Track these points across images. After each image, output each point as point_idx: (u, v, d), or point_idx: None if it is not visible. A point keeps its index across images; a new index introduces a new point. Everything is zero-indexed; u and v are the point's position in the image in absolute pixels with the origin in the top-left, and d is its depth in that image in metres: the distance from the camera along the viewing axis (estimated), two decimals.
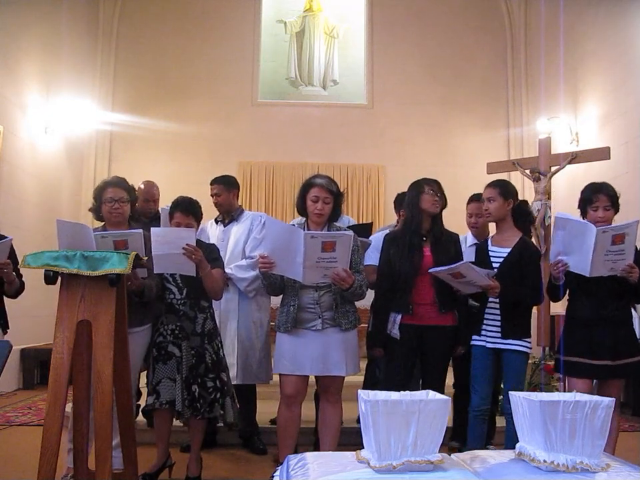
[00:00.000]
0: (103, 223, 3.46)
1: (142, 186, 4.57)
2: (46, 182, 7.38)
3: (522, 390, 3.34)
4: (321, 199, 3.25)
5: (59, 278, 2.59)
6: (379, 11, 9.37)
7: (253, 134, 8.94)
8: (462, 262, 3.20)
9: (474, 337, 3.39)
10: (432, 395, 2.02)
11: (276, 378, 3.58)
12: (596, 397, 1.96)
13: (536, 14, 8.86)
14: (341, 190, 3.38)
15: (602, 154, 5.30)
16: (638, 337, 3.34)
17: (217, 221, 4.25)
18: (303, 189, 3.33)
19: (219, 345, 3.47)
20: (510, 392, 2.13)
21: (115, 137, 8.90)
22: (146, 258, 3.00)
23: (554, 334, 5.89)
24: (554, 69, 8.25)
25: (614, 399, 1.99)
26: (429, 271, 3.30)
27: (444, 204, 3.47)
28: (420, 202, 3.43)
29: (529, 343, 3.34)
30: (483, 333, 3.35)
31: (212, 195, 4.16)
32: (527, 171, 5.53)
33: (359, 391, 2.01)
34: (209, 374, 3.33)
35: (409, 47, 9.26)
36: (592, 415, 1.90)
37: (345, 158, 8.92)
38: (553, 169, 5.47)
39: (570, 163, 5.41)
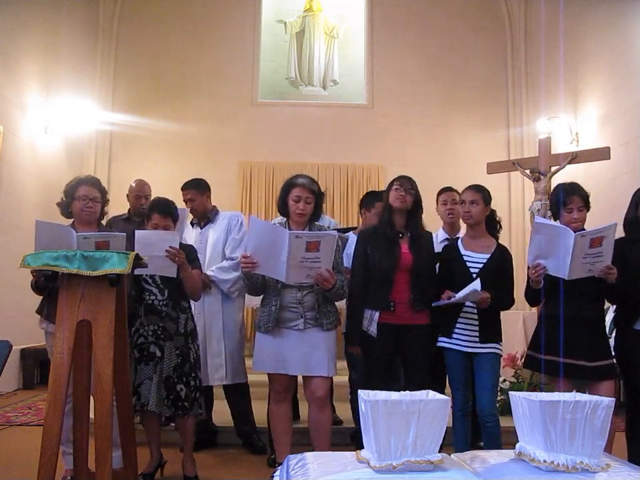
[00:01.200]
0: (71, 221, 3.41)
1: (133, 184, 4.56)
2: (46, 182, 7.37)
3: (496, 391, 3.40)
4: (303, 199, 3.26)
5: (59, 278, 2.59)
6: (379, 11, 9.37)
7: (252, 134, 8.94)
8: (471, 290, 3.17)
9: (444, 340, 3.37)
10: (432, 394, 2.02)
11: (259, 378, 3.61)
12: (596, 397, 1.96)
13: (536, 14, 8.85)
14: (322, 190, 3.39)
15: (602, 154, 5.31)
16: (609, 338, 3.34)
17: (192, 224, 4.23)
18: (285, 188, 3.34)
19: (198, 345, 3.51)
20: (510, 392, 2.14)
21: (115, 137, 8.90)
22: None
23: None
24: (554, 69, 8.25)
25: (614, 399, 1.99)
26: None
27: (415, 200, 3.41)
28: (389, 198, 3.43)
29: (501, 345, 3.37)
30: (456, 336, 3.33)
31: (185, 201, 4.12)
32: (527, 171, 5.55)
33: (359, 390, 2.01)
34: (192, 373, 3.36)
35: (409, 47, 9.26)
36: (592, 415, 1.90)
37: (345, 158, 8.92)
38: (553, 169, 5.48)
39: (570, 162, 5.42)
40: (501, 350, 3.37)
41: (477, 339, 3.30)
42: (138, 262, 2.69)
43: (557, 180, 5.78)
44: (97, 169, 8.70)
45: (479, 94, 9.21)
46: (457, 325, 3.34)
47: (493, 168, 5.60)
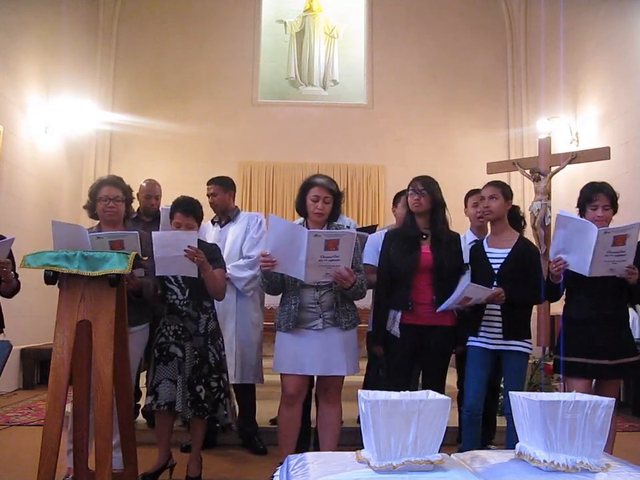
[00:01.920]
0: (97, 222, 3.44)
1: (144, 184, 4.59)
2: (46, 182, 7.38)
3: (522, 390, 3.35)
4: (321, 199, 3.25)
5: (59, 278, 2.59)
6: (379, 11, 9.37)
7: (252, 134, 8.94)
8: (464, 286, 3.17)
9: (471, 338, 3.38)
10: (432, 394, 2.02)
11: (275, 378, 3.59)
12: (596, 397, 1.96)
13: (536, 14, 8.86)
14: (341, 189, 3.38)
15: (602, 154, 5.30)
16: (635, 337, 3.34)
17: (213, 222, 4.24)
18: (303, 188, 3.33)
19: (222, 346, 3.46)
20: (510, 392, 2.13)
21: (115, 137, 8.90)
22: (145, 258, 3.00)
23: (554, 334, 5.90)
24: (554, 69, 8.25)
25: (614, 399, 1.99)
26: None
27: (433, 200, 3.42)
28: (407, 202, 3.46)
29: (530, 343, 3.34)
30: (482, 334, 3.33)
31: (208, 195, 4.15)
32: (527, 171, 5.54)
33: (359, 390, 2.01)
34: (213, 374, 3.33)
35: (409, 47, 9.26)
36: (592, 415, 1.90)
37: (345, 158, 8.92)
38: (553, 169, 5.47)
39: (570, 162, 5.41)
40: (529, 348, 3.34)
41: (501, 336, 3.29)
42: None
43: (557, 180, 5.78)
44: (97, 169, 8.71)
45: (479, 94, 9.21)
46: (482, 323, 3.34)
47: (493, 168, 5.59)
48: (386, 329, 3.39)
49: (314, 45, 9.51)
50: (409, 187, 3.48)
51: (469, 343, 3.39)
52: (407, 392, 2.06)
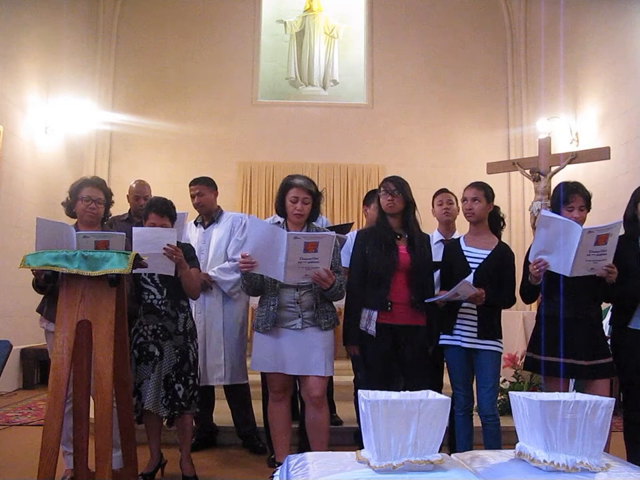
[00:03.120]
0: (75, 222, 3.42)
1: (133, 185, 4.55)
2: (46, 182, 7.37)
3: (495, 389, 3.37)
4: (300, 200, 3.26)
5: (59, 278, 2.59)
6: (379, 11, 9.37)
7: (252, 134, 8.94)
8: (461, 282, 3.17)
9: (445, 337, 3.37)
10: (432, 394, 2.02)
11: (259, 377, 3.60)
12: (596, 397, 1.96)
13: (536, 14, 8.86)
14: (319, 190, 3.38)
15: (602, 154, 5.31)
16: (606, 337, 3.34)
17: (196, 223, 4.23)
18: (282, 189, 3.33)
19: (197, 345, 3.51)
20: (510, 392, 2.14)
21: (115, 137, 8.90)
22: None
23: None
24: (554, 69, 8.25)
25: (614, 398, 1.99)
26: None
27: (406, 201, 3.40)
28: (380, 202, 3.45)
29: (501, 342, 3.36)
30: (457, 332, 3.33)
31: (193, 196, 4.11)
32: (527, 171, 5.55)
33: (359, 390, 2.01)
34: (191, 372, 3.37)
35: (409, 47, 9.26)
36: (592, 415, 1.90)
37: (345, 158, 8.92)
38: (553, 168, 5.48)
39: (570, 163, 5.42)
40: (501, 348, 3.36)
41: (476, 335, 3.30)
42: (138, 262, 2.68)
43: (557, 180, 5.78)
44: (97, 169, 8.70)
45: (479, 94, 9.21)
46: (457, 322, 3.35)
47: (492, 168, 5.60)
48: (359, 328, 3.35)
49: (314, 45, 9.51)
50: (379, 188, 3.46)
51: (443, 342, 3.38)
52: (407, 392, 2.06)
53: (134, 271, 3.13)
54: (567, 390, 3.05)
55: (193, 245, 3.76)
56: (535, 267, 3.06)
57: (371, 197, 4.25)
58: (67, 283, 2.59)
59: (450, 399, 1.96)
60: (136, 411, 3.29)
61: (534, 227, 5.33)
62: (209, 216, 4.18)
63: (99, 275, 2.53)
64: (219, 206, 4.25)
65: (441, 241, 4.03)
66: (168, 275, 3.26)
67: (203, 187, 4.12)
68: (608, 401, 1.93)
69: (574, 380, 3.37)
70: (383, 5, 9.36)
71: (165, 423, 3.50)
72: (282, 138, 8.92)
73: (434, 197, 4.20)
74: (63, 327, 2.55)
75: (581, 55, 7.76)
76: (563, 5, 7.51)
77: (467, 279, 3.23)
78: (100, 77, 8.91)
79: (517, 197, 8.97)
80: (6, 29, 6.40)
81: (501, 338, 3.37)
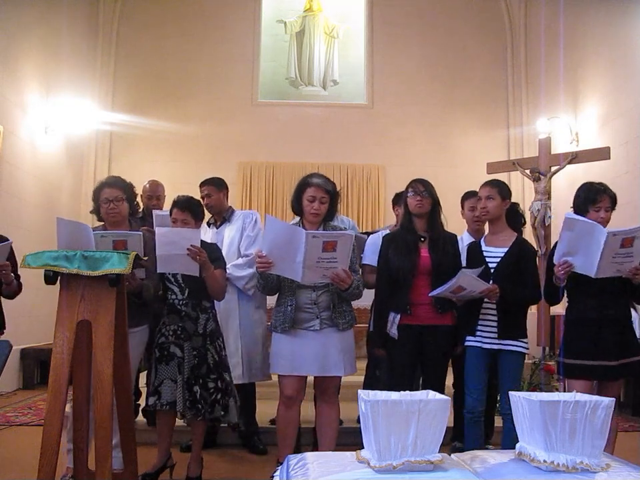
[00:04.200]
0: (103, 223, 3.46)
1: (147, 185, 4.63)
2: (46, 182, 7.38)
3: (519, 390, 3.35)
4: (318, 199, 3.25)
5: (59, 278, 2.59)
6: (379, 11, 9.37)
7: (252, 134, 8.94)
8: (458, 274, 3.16)
9: (468, 338, 3.37)
10: (432, 394, 2.02)
11: (274, 378, 3.58)
12: (596, 397, 1.96)
13: (536, 14, 8.86)
14: (337, 189, 3.38)
15: (602, 154, 5.30)
16: (638, 337, 3.33)
17: (209, 224, 4.23)
18: (299, 188, 3.32)
19: (222, 346, 3.45)
20: (510, 392, 2.13)
21: (115, 137, 8.90)
22: (145, 258, 3.00)
23: (554, 334, 5.89)
24: (554, 69, 8.24)
25: (614, 398, 1.99)
26: (429, 294, 3.30)
27: (433, 202, 3.43)
28: (407, 204, 3.45)
29: (526, 343, 3.34)
30: (479, 333, 3.33)
31: (202, 197, 4.12)
32: (527, 171, 5.53)
33: (359, 390, 2.01)
34: (211, 375, 3.32)
35: (409, 47, 9.26)
36: (592, 415, 1.90)
37: (345, 158, 8.92)
38: (553, 169, 5.47)
39: (570, 163, 5.40)
40: (526, 348, 3.33)
41: (496, 335, 3.28)
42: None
43: (557, 180, 5.78)
44: (97, 169, 8.71)
45: (479, 94, 9.21)
46: (479, 322, 3.34)
47: (492, 168, 5.59)
48: (385, 332, 3.39)
49: (314, 45, 9.51)
50: (407, 189, 3.47)
51: (466, 343, 3.38)
52: (407, 392, 2.06)
53: (159, 271, 3.19)
54: (591, 392, 3.02)
55: None
56: (560, 268, 3.04)
57: (398, 199, 4.25)
58: (67, 283, 2.58)
59: (449, 398, 1.96)
60: (154, 410, 3.29)
61: (534, 227, 5.32)
62: (220, 216, 4.19)
63: (99, 275, 2.53)
64: (230, 206, 4.27)
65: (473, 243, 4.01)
66: (192, 275, 3.25)
67: (211, 188, 4.14)
68: (608, 401, 1.93)
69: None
70: (383, 5, 9.36)
71: (184, 422, 3.47)
72: (282, 138, 8.92)
73: (464, 200, 4.14)
74: (63, 327, 2.55)
75: (581, 55, 7.76)
76: (563, 5, 7.50)
77: (465, 272, 3.20)
78: (100, 76, 8.91)
79: (517, 197, 8.86)
80: (6, 29, 6.40)
81: (525, 337, 3.34)
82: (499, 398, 3.71)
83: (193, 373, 3.29)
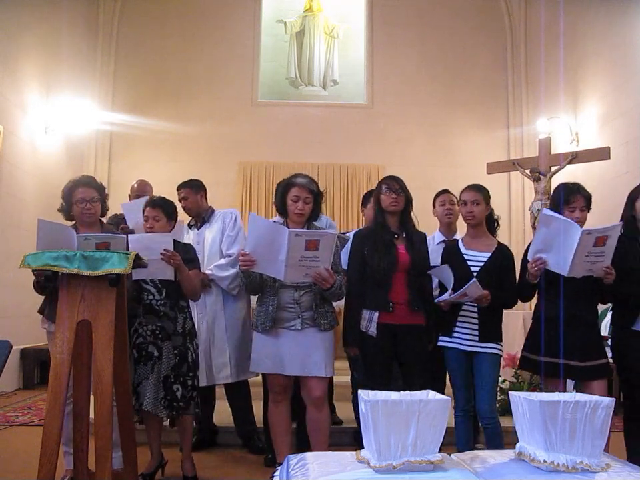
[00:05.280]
0: (73, 222, 3.41)
1: (135, 184, 4.60)
2: (46, 182, 7.37)
3: (494, 392, 3.37)
4: (302, 199, 3.25)
5: (59, 278, 2.59)
6: (379, 11, 9.37)
7: (252, 134, 8.94)
8: (471, 282, 3.16)
9: (445, 339, 3.36)
10: (432, 394, 2.02)
11: (260, 378, 3.59)
12: (596, 397, 1.96)
13: (536, 14, 8.86)
14: (321, 189, 3.38)
15: (602, 154, 5.31)
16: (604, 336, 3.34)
17: (190, 226, 4.24)
18: (283, 188, 3.32)
19: (197, 345, 3.49)
20: (510, 392, 2.13)
21: (115, 136, 8.90)
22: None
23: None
24: (554, 69, 8.25)
25: (614, 399, 1.99)
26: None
27: (406, 200, 3.43)
28: (380, 201, 3.44)
29: (501, 345, 3.35)
30: (457, 335, 3.32)
31: (180, 200, 4.12)
32: (527, 171, 5.55)
33: (359, 390, 2.01)
34: (190, 373, 3.35)
35: (409, 46, 9.26)
36: (592, 415, 1.90)
37: (345, 158, 8.92)
38: (553, 168, 5.48)
39: (570, 162, 5.42)
40: (501, 350, 3.36)
41: (477, 338, 3.29)
42: (138, 262, 2.68)
43: (557, 180, 5.78)
44: (97, 169, 8.71)
45: (479, 94, 9.21)
46: (457, 324, 3.34)
47: (493, 168, 5.60)
48: (359, 329, 3.35)
49: (314, 45, 9.51)
50: (381, 186, 3.46)
51: (442, 343, 3.37)
52: (407, 392, 2.06)
53: (133, 278, 3.16)
54: (565, 390, 3.04)
55: None
56: (533, 264, 3.06)
57: (368, 198, 4.23)
58: (67, 283, 2.59)
59: (450, 398, 1.96)
60: (135, 411, 3.30)
61: (534, 227, 5.33)
62: (199, 217, 4.19)
63: (99, 275, 2.53)
64: (210, 206, 4.25)
65: (443, 241, 4.03)
66: (168, 279, 3.25)
67: (187, 191, 4.14)
68: (608, 401, 1.93)
69: (574, 380, 3.36)
70: (383, 5, 9.36)
71: (166, 423, 3.49)
72: (282, 138, 8.92)
73: (435, 198, 4.20)
74: (63, 327, 2.55)
75: (581, 55, 7.76)
76: (563, 5, 7.51)
77: (474, 280, 3.22)
78: (100, 76, 8.91)
79: (517, 197, 8.97)
80: (6, 29, 6.40)
81: (501, 340, 3.36)
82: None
83: (173, 371, 3.29)
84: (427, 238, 3.64)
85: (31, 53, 6.98)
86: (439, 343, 3.39)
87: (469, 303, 3.31)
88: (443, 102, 9.13)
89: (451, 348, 3.34)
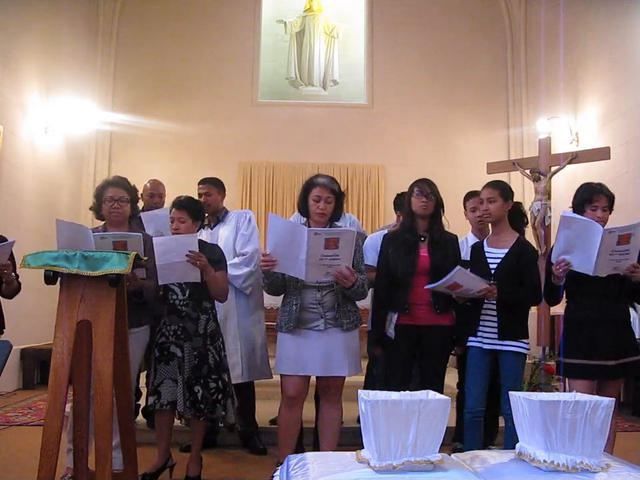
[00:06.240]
0: (103, 222, 3.47)
1: (148, 184, 4.67)
2: (46, 182, 7.38)
3: (520, 390, 3.34)
4: (323, 199, 3.24)
5: (59, 278, 2.59)
6: (379, 11, 9.37)
7: (253, 134, 8.94)
8: (454, 270, 3.15)
9: (470, 338, 3.37)
10: (432, 394, 2.02)
11: (276, 378, 3.58)
12: (596, 397, 1.96)
13: (536, 14, 8.85)
14: (342, 189, 3.38)
15: (602, 154, 5.30)
16: (637, 337, 3.33)
17: (203, 226, 4.25)
18: (305, 188, 3.32)
19: (222, 346, 3.45)
20: (510, 392, 2.13)
21: (115, 137, 8.90)
22: (145, 258, 3.00)
23: (554, 334, 5.89)
24: (554, 69, 8.24)
25: (614, 398, 1.99)
26: (425, 287, 3.30)
27: (437, 203, 3.45)
28: (411, 204, 3.45)
29: (527, 343, 3.33)
30: (480, 333, 3.33)
31: (200, 195, 4.12)
32: (527, 171, 5.54)
33: (359, 390, 2.01)
34: (212, 375, 3.32)
35: (409, 46, 9.26)
36: (592, 415, 1.90)
37: (345, 158, 8.92)
38: (553, 169, 5.47)
39: (570, 162, 5.41)
40: (526, 348, 3.32)
41: (497, 335, 3.28)
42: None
43: (556, 180, 5.78)
44: (96, 169, 8.71)
45: (479, 94, 9.21)
46: (480, 323, 3.34)
47: (493, 168, 5.60)
48: (383, 331, 3.40)
49: (314, 45, 9.51)
50: (413, 188, 3.46)
51: (468, 343, 3.38)
52: (407, 392, 2.06)
53: (160, 283, 3.21)
54: (592, 392, 3.01)
55: None
56: (557, 266, 3.04)
57: (400, 202, 4.20)
58: (67, 283, 2.58)
59: (449, 398, 1.96)
60: (152, 410, 3.28)
61: (534, 227, 5.32)
62: (214, 216, 4.19)
63: (99, 275, 2.53)
64: (224, 207, 4.27)
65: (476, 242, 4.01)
66: (195, 282, 3.25)
67: (211, 187, 4.14)
68: (608, 401, 1.93)
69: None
70: (383, 5, 9.36)
71: (182, 422, 3.47)
72: (282, 138, 8.92)
73: (465, 201, 4.16)
74: (63, 327, 2.54)
75: (581, 55, 7.76)
76: (563, 5, 7.51)
77: (459, 267, 3.19)
78: (100, 76, 8.91)
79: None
80: (6, 29, 6.40)
81: (526, 338, 3.33)
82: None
83: (193, 373, 3.28)
84: (460, 240, 3.65)
85: (30, 53, 6.97)
86: (467, 343, 3.38)
87: (488, 301, 3.30)
88: (443, 102, 9.13)
89: (473, 347, 3.34)
